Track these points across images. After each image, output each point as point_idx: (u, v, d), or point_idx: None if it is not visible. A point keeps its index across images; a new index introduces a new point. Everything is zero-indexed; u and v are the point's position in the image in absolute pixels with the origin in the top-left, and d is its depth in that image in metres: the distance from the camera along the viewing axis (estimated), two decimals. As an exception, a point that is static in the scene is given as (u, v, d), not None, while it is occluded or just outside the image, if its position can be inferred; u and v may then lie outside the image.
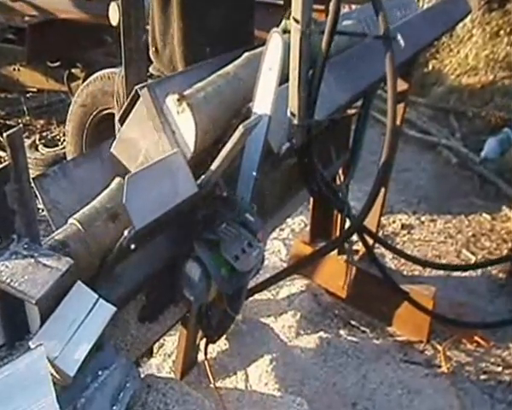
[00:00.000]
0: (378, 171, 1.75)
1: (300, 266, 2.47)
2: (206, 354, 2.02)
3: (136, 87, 1.43)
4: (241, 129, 1.33)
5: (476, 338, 2.43)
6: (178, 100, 1.35)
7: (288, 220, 3.14)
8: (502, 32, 6.37)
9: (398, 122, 2.57)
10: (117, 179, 1.28)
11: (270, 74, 1.47)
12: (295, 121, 1.57)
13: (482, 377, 2.28)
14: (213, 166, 1.37)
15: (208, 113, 1.41)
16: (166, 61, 2.14)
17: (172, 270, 1.39)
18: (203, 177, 1.37)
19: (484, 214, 3.49)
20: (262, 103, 1.47)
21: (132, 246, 1.21)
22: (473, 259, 3.03)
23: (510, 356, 2.39)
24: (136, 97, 1.43)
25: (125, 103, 1.48)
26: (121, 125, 1.49)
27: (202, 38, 2.09)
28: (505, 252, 3.10)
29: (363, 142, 2.32)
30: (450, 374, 2.27)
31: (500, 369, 2.33)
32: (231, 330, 1.95)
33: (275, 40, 1.48)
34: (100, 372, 1.09)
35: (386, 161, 1.71)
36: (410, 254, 2.77)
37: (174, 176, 1.31)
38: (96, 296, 1.12)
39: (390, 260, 2.90)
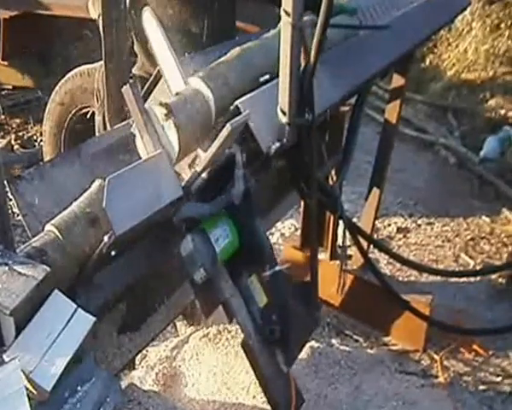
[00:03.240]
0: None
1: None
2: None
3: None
4: (227, 128, 1.33)
5: (474, 347, 2.46)
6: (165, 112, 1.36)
7: (278, 224, 3.15)
8: (502, 26, 6.42)
9: (394, 120, 2.63)
10: (97, 182, 1.28)
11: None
12: (285, 119, 1.58)
13: (481, 387, 2.31)
14: (199, 168, 1.37)
15: (229, 94, 1.42)
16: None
17: (155, 277, 1.40)
18: (188, 178, 1.37)
19: (483, 217, 3.52)
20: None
21: (113, 252, 1.21)
22: (471, 263, 3.06)
23: (510, 365, 2.42)
24: (159, 78, 1.44)
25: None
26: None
27: (197, 30, 2.12)
28: (505, 256, 3.14)
29: (357, 141, 2.33)
30: (448, 384, 2.30)
31: (499, 379, 2.36)
32: (208, 338, 1.95)
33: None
34: (79, 387, 1.09)
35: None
36: (408, 259, 2.79)
37: (158, 178, 1.31)
38: (75, 306, 1.12)
39: (385, 266, 2.92)
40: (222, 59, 1.49)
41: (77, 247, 1.19)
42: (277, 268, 1.50)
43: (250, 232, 1.47)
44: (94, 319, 1.13)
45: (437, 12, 2.63)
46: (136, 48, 2.27)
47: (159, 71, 1.45)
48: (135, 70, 2.28)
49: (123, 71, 2.03)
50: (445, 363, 2.41)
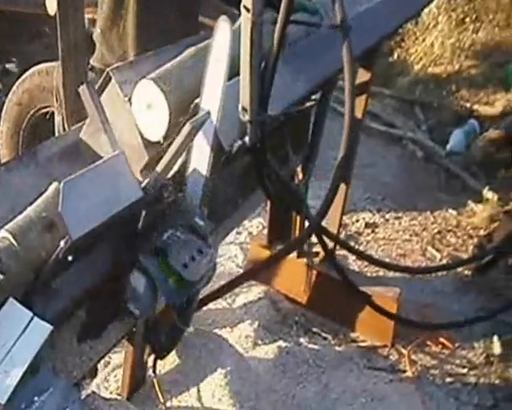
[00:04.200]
0: (336, 167, 1.77)
1: (257, 271, 2.49)
2: (154, 371, 2.01)
3: (108, 70, 1.41)
4: (187, 127, 1.33)
5: (441, 340, 2.50)
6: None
7: (246, 223, 3.15)
8: (467, 20, 6.54)
9: (360, 115, 2.65)
10: (53, 185, 1.26)
11: (218, 66, 1.47)
12: (247, 117, 1.57)
13: (447, 379, 2.36)
14: (159, 168, 1.36)
15: (183, 96, 1.42)
16: (115, 44, 2.13)
17: (115, 282, 1.38)
18: (148, 179, 1.36)
19: (450, 210, 3.58)
20: (210, 98, 1.47)
21: (70, 258, 1.19)
22: (438, 256, 3.11)
23: (476, 356, 2.48)
24: (109, 78, 1.42)
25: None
26: None
27: (157, 25, 2.10)
28: (471, 248, 3.20)
29: (323, 136, 2.35)
30: (415, 379, 2.34)
31: (465, 370, 2.42)
32: (182, 343, 1.95)
33: (223, 29, 1.48)
34: (35, 397, 1.08)
35: (344, 157, 1.73)
36: (371, 256, 2.83)
37: (116, 180, 1.30)
38: (31, 314, 1.10)
39: (354, 262, 2.94)
40: (176, 60, 1.48)
41: (32, 253, 1.17)
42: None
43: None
44: (51, 327, 1.12)
45: (402, 6, 2.66)
46: (96, 37, 2.21)
47: (108, 74, 1.41)
48: (93, 62, 2.23)
49: (80, 68, 2.00)
50: (413, 357, 2.44)
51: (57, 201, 1.13)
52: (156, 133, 1.41)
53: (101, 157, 1.35)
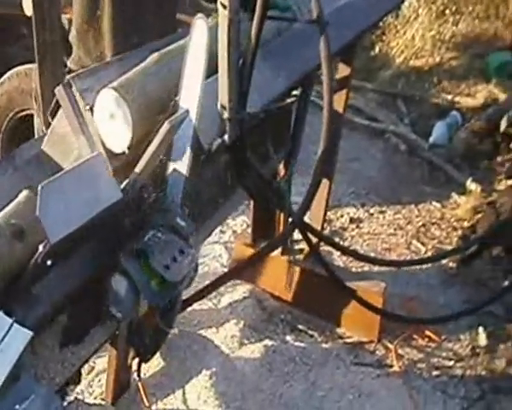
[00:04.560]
0: (316, 162, 1.78)
1: (241, 269, 2.49)
2: (139, 374, 2.01)
3: (69, 76, 1.39)
4: (166, 125, 1.33)
5: (427, 333, 2.53)
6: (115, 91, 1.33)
7: (229, 221, 3.15)
8: (447, 12, 6.60)
9: (341, 109, 2.67)
10: (25, 192, 1.24)
11: (196, 64, 1.47)
12: (226, 115, 1.58)
13: (434, 373, 2.38)
14: (138, 168, 1.36)
15: (146, 103, 1.40)
16: (92, 45, 2.12)
17: (97, 286, 1.38)
18: (127, 180, 1.36)
19: (433, 203, 3.62)
20: (189, 96, 1.47)
21: (49, 262, 1.19)
22: (423, 250, 3.14)
23: (462, 348, 2.51)
24: (69, 87, 1.40)
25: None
26: (52, 118, 1.46)
27: (134, 25, 2.09)
28: (455, 240, 3.23)
29: (305, 132, 2.35)
30: (403, 373, 2.36)
31: (452, 363, 2.45)
32: (166, 345, 1.95)
33: (199, 27, 1.48)
34: (17, 405, 1.07)
35: (324, 152, 1.74)
36: (356, 251, 2.85)
37: (95, 182, 1.29)
38: (11, 321, 1.10)
39: (338, 257, 2.96)
40: (139, 66, 1.45)
41: (1, 261, 1.16)
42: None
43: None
44: (31, 333, 1.11)
45: (373, 5, 2.67)
46: (72, 39, 2.20)
47: (68, 81, 1.37)
48: (70, 64, 2.21)
49: (57, 69, 1.99)
50: (400, 351, 2.47)
51: (28, 207, 1.12)
52: (120, 144, 1.37)
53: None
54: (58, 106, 1.41)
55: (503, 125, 3.72)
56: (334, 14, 2.17)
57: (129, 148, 1.37)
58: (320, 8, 1.71)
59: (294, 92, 2.21)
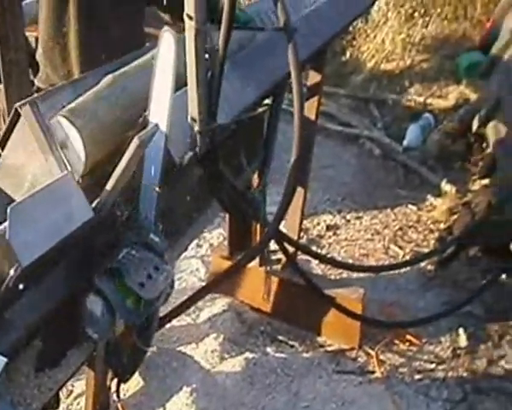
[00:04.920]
0: (289, 171, 1.80)
1: (219, 283, 2.48)
2: (118, 395, 2.00)
3: (17, 104, 1.39)
4: (135, 141, 1.33)
5: (408, 337, 2.56)
6: (65, 118, 1.33)
7: (206, 235, 3.16)
8: (416, 14, 6.72)
9: (313, 116, 2.70)
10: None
11: (165, 78, 1.48)
12: (196, 127, 1.59)
13: (416, 376, 2.41)
14: (109, 186, 1.36)
15: (99, 128, 1.40)
16: (59, 63, 2.11)
17: (72, 307, 1.37)
18: (99, 199, 1.36)
19: (410, 206, 3.68)
20: (158, 111, 1.48)
21: (21, 286, 1.18)
22: (401, 253, 3.19)
23: (443, 351, 2.55)
24: (17, 116, 1.40)
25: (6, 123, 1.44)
26: (2, 149, 1.45)
27: (101, 41, 2.09)
28: (432, 243, 3.28)
29: (278, 140, 2.37)
30: (385, 379, 2.39)
31: (433, 366, 2.48)
32: (145, 364, 1.94)
33: (167, 40, 1.49)
34: (-8, 434, 1.06)
35: (296, 160, 1.76)
36: (333, 258, 2.87)
37: (66, 201, 1.29)
38: (-17, 348, 1.09)
39: (316, 265, 2.98)
40: (91, 90, 1.45)
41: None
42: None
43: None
44: (5, 359, 1.11)
45: (348, 5, 2.72)
46: (39, 57, 2.19)
47: (16, 110, 1.36)
48: (38, 82, 2.20)
49: (23, 88, 1.98)
50: (381, 357, 2.50)
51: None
52: (74, 170, 1.37)
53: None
54: (10, 133, 1.40)
55: (475, 125, 3.78)
56: (302, 21, 2.20)
57: (82, 176, 1.37)
58: (287, 16, 1.73)
59: (266, 101, 2.23)
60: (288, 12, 1.75)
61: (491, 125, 3.13)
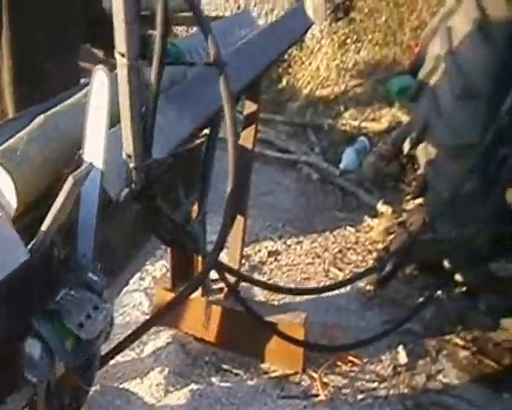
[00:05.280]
0: (225, 203, 1.83)
1: (162, 315, 2.48)
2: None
3: None
4: (70, 180, 1.33)
5: (350, 358, 2.62)
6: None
7: (149, 267, 3.16)
8: (349, 41, 6.96)
9: (250, 145, 2.75)
10: None
11: (99, 115, 1.49)
12: (132, 164, 1.60)
13: (359, 396, 2.47)
14: (44, 226, 1.35)
15: (30, 169, 1.40)
16: None
17: (10, 351, 1.35)
18: (34, 239, 1.35)
19: (348, 228, 3.78)
20: (93, 148, 1.49)
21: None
22: (341, 275, 3.27)
23: (384, 369, 2.62)
24: None
25: None
26: None
27: (34, 78, 2.08)
28: (371, 263, 3.38)
29: (216, 170, 2.41)
30: (329, 401, 2.43)
31: (375, 384, 2.55)
32: (88, 404, 1.91)
33: (100, 78, 1.51)
34: None
35: (231, 192, 1.80)
36: (272, 284, 2.92)
37: (0, 243, 1.28)
38: None
39: (259, 291, 3.02)
40: (23, 132, 1.44)
41: None
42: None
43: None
44: None
45: (280, 35, 2.79)
46: None
47: None
48: None
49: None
50: (325, 380, 2.54)
51: None
52: (6, 212, 1.36)
53: None
54: None
55: (406, 147, 3.93)
56: (234, 54, 2.26)
57: (16, 216, 1.36)
58: (217, 50, 1.77)
59: (203, 132, 2.27)
60: (218, 47, 1.80)
61: (421, 146, 3.26)
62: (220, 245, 1.89)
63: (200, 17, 1.77)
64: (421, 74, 3.24)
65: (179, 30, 6.53)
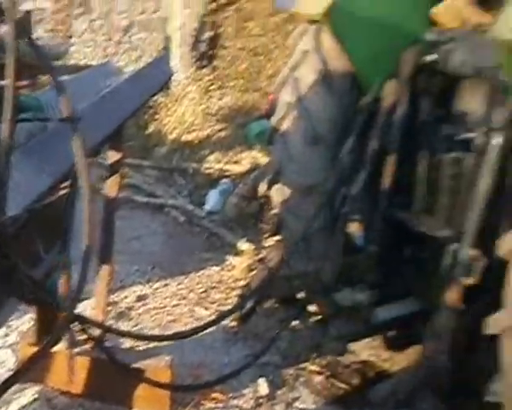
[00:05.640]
0: (82, 260, 1.83)
1: (26, 371, 2.39)
2: None
3: None
4: None
5: (214, 395, 2.68)
6: None
7: (14, 322, 3.03)
8: (213, 87, 7.18)
9: (114, 193, 2.74)
10: None
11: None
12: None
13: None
14: None
15: None
16: None
17: None
18: None
19: (213, 267, 3.90)
20: None
21: None
22: (206, 314, 3.35)
23: (246, 402, 2.72)
24: None
25: None
26: None
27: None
28: (235, 300, 3.49)
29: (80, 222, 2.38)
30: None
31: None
32: None
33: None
34: None
35: (87, 250, 1.81)
36: (136, 333, 2.93)
37: None
38: None
39: (125, 339, 2.99)
40: None
41: None
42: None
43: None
44: None
45: (142, 84, 2.82)
46: None
47: None
48: None
49: None
50: (192, 419, 2.58)
51: None
52: None
53: None
54: None
55: (263, 188, 4.10)
56: (94, 106, 2.27)
57: None
58: (70, 106, 1.78)
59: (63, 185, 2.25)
60: (70, 102, 1.80)
61: (275, 187, 3.43)
62: (76, 299, 1.89)
63: (53, 73, 1.79)
64: (274, 120, 3.43)
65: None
